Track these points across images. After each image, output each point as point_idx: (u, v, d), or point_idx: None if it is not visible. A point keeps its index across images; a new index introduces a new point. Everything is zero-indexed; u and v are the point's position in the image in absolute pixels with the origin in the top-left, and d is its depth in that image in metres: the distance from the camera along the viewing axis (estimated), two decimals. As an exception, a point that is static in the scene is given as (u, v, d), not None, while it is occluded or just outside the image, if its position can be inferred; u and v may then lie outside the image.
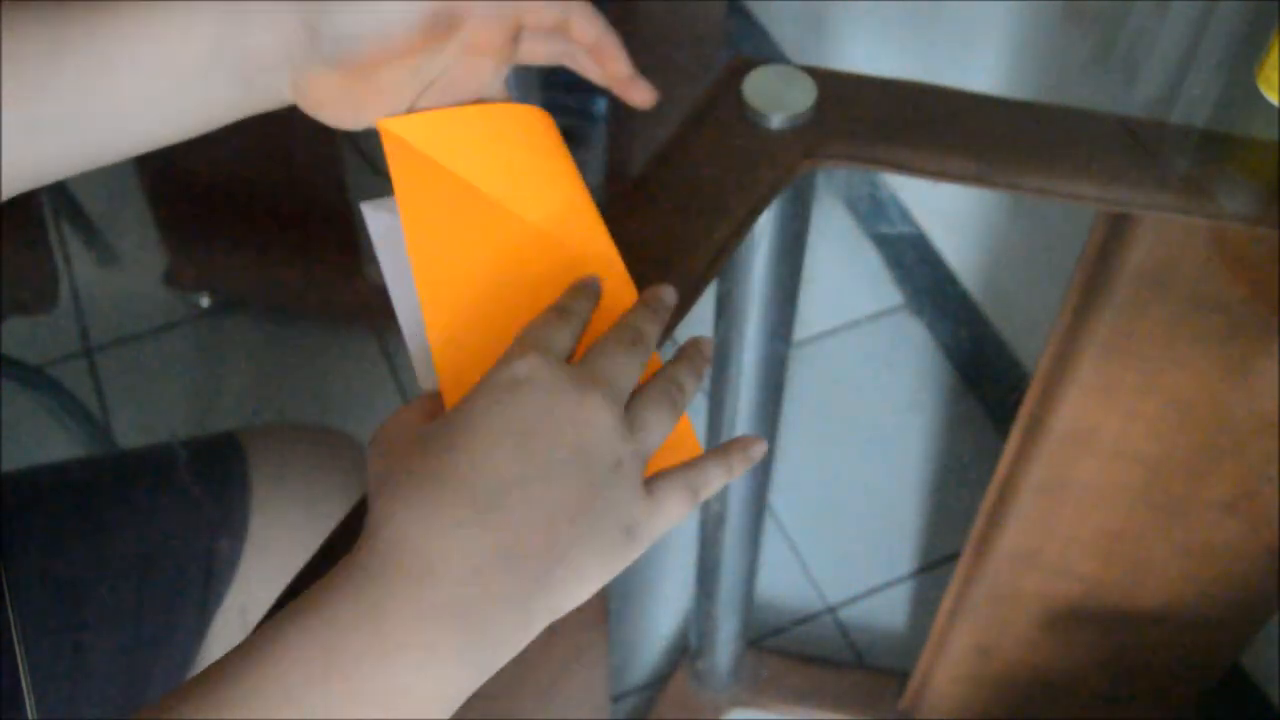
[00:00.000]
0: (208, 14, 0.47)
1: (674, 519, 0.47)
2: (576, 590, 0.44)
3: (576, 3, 0.52)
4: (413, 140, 0.53)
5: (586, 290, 0.52)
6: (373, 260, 0.60)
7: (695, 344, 0.53)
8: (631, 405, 0.47)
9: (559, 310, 0.49)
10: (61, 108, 0.47)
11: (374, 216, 0.56)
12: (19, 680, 0.64)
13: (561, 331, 0.48)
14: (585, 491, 0.44)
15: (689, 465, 0.49)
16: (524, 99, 0.60)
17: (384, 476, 0.44)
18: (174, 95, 0.48)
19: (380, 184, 0.57)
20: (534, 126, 0.57)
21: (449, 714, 0.42)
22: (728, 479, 0.50)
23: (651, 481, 0.47)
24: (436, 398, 0.49)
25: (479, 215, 0.55)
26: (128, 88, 0.47)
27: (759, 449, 0.51)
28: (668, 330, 0.60)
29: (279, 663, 0.40)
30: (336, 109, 0.49)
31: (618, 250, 0.56)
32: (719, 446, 0.50)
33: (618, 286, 0.54)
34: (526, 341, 0.47)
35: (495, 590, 0.42)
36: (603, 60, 0.55)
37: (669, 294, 0.54)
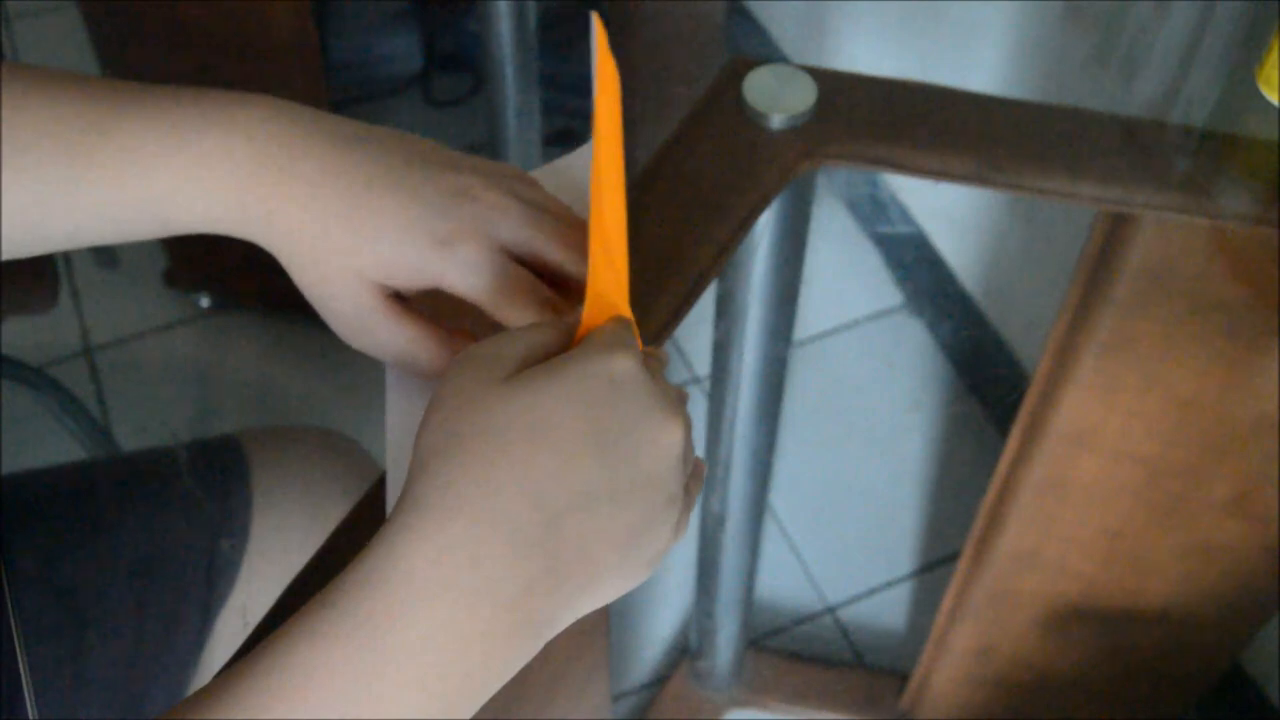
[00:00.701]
0: (215, 210, 0.50)
1: (672, 545, 0.46)
2: (589, 607, 0.43)
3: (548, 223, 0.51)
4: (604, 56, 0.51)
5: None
6: None
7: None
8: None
9: (625, 321, 0.46)
10: (85, 200, 0.49)
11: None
12: (20, 683, 0.64)
13: (634, 340, 0.45)
14: (640, 523, 0.42)
15: (686, 502, 0.47)
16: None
17: (455, 437, 0.40)
18: (194, 198, 0.50)
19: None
20: (617, 98, 0.55)
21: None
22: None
23: None
24: (538, 333, 0.45)
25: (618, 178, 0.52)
26: (154, 190, 0.49)
27: (704, 469, 0.50)
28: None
29: (297, 686, 0.37)
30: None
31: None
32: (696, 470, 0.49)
33: (620, 295, 0.53)
34: (618, 337, 0.44)
35: (530, 615, 0.39)
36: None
37: (665, 358, 0.52)
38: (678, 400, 0.45)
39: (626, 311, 0.52)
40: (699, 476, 0.49)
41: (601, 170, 0.50)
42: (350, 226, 0.49)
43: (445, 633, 0.38)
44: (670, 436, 0.42)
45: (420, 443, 0.41)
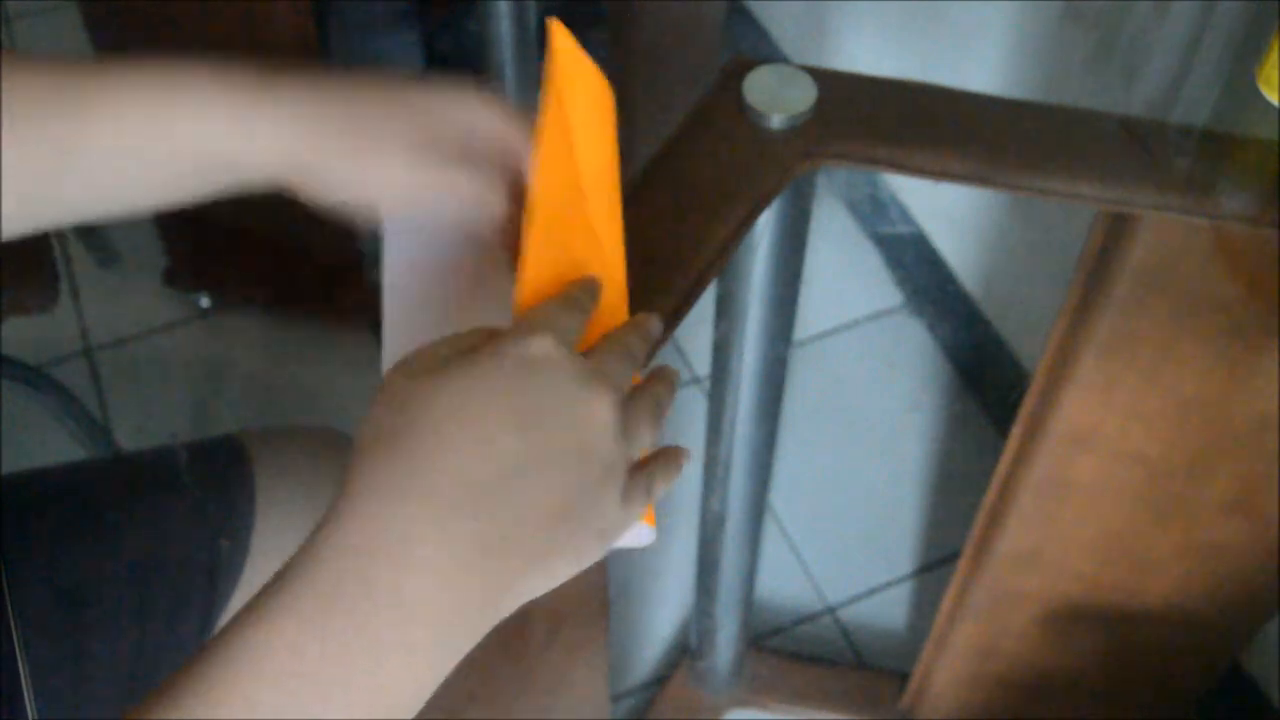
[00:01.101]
0: (216, 123, 0.51)
1: (636, 519, 0.47)
2: (542, 585, 0.44)
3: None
4: (565, 57, 0.54)
5: (590, 286, 0.51)
6: (374, 262, 0.60)
7: (663, 370, 0.52)
8: (624, 412, 0.46)
9: (567, 298, 0.48)
10: (65, 187, 0.51)
11: (393, 230, 0.57)
12: (21, 684, 0.64)
13: (573, 318, 0.47)
14: (576, 491, 0.43)
15: (645, 470, 0.48)
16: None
17: (383, 431, 0.42)
18: (169, 180, 0.53)
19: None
20: (605, 104, 0.57)
21: (420, 704, 0.42)
22: (678, 478, 0.49)
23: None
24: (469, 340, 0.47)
25: (574, 173, 0.54)
26: (133, 171, 0.52)
27: (684, 456, 0.50)
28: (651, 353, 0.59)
29: (251, 665, 0.38)
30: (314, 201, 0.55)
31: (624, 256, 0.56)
32: (668, 450, 0.50)
33: (616, 297, 0.54)
34: (539, 321, 0.45)
35: (473, 583, 0.41)
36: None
37: (655, 324, 0.53)
38: (606, 375, 0.45)
39: (621, 314, 0.52)
40: (670, 461, 0.49)
41: (568, 174, 0.52)
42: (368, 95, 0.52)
43: (382, 607, 0.39)
44: (592, 408, 0.43)
45: (354, 445, 0.43)
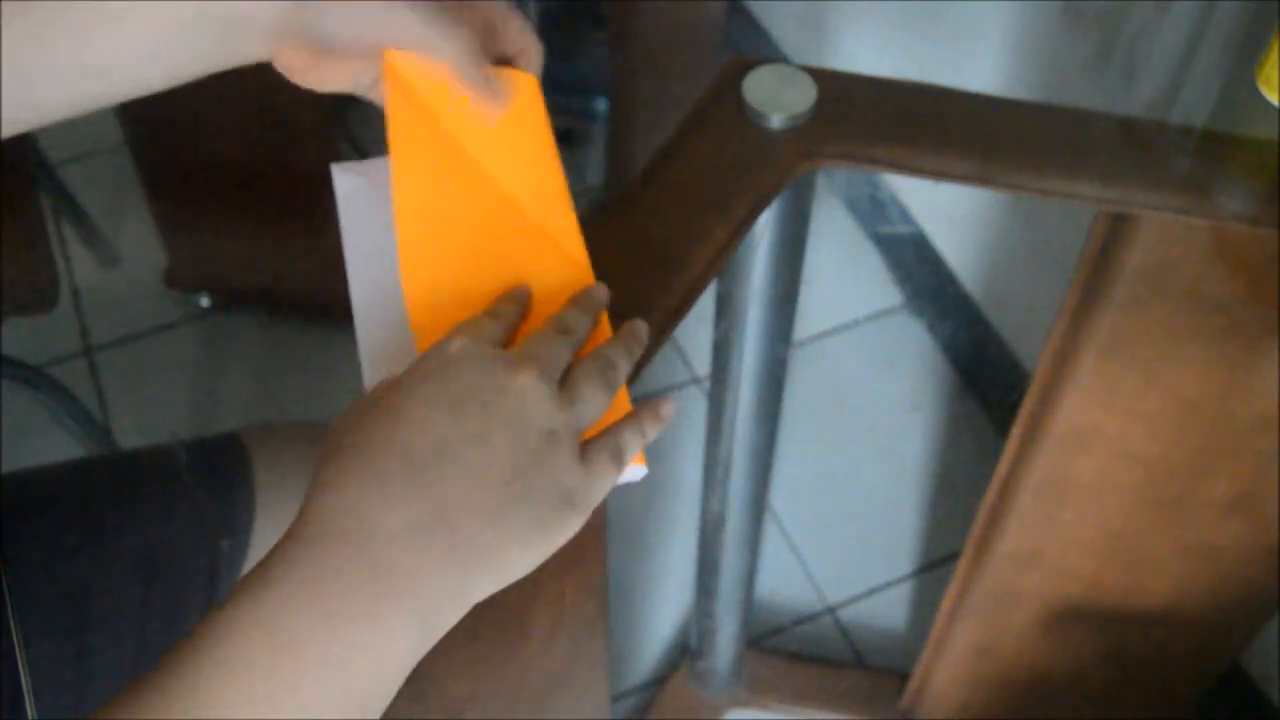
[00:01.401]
0: None
1: (607, 484, 0.49)
2: (517, 556, 0.45)
3: (506, 15, 0.56)
4: (414, 81, 0.55)
5: (516, 297, 0.54)
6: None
7: (631, 326, 0.55)
8: (566, 381, 0.49)
9: (491, 314, 0.52)
10: (60, 58, 0.50)
11: (342, 178, 0.58)
12: (21, 684, 0.64)
13: (490, 326, 0.51)
14: (518, 458, 0.45)
15: (609, 431, 0.50)
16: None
17: (325, 452, 0.46)
18: (162, 49, 0.51)
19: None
20: (524, 95, 0.59)
21: (397, 680, 0.43)
22: (644, 441, 0.51)
23: (589, 447, 0.49)
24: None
25: (464, 176, 0.56)
26: (122, 41, 0.50)
27: (668, 409, 0.53)
28: (656, 347, 0.60)
29: (226, 645, 0.40)
30: (304, 76, 0.54)
31: (581, 233, 0.57)
32: (635, 410, 0.52)
33: (577, 274, 0.56)
34: (458, 329, 0.50)
35: (430, 550, 0.43)
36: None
37: (600, 291, 0.56)
38: (530, 353, 0.48)
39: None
40: (647, 414, 0.52)
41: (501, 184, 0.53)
42: None
43: (346, 578, 0.42)
44: (516, 382, 0.47)
45: (316, 467, 0.46)
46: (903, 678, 1.32)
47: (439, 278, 0.54)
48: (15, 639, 0.64)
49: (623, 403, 0.53)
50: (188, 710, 0.39)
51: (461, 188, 0.57)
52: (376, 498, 0.43)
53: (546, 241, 0.57)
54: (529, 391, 0.47)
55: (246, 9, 0.50)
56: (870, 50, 1.63)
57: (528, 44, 0.58)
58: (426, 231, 0.55)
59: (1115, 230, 0.79)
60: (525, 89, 0.59)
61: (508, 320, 0.52)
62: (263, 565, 0.42)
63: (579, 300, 0.55)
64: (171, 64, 0.52)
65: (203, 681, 0.40)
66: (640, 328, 0.55)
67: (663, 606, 1.47)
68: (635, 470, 0.52)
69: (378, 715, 0.43)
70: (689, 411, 1.60)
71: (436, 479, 0.44)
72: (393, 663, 0.43)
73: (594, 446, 0.49)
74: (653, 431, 0.52)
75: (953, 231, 1.63)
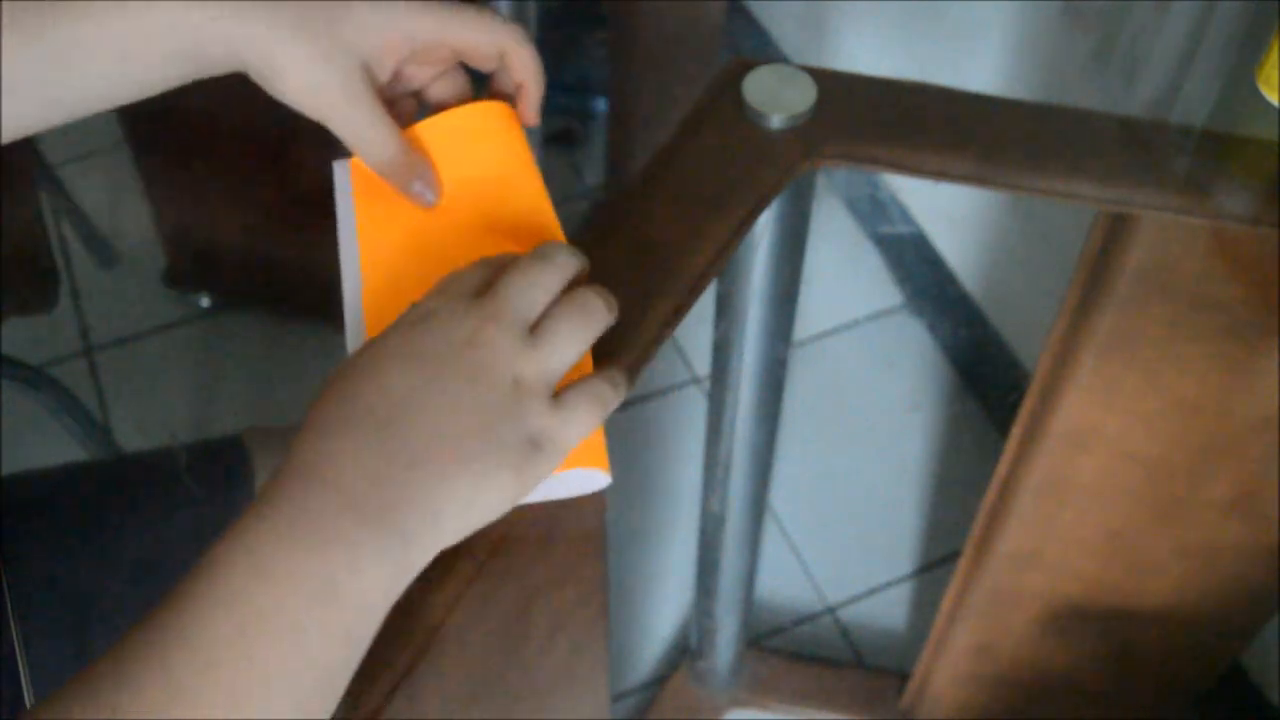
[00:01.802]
0: (188, 11, 0.52)
1: (585, 428, 0.50)
2: (486, 497, 0.47)
3: (519, 44, 0.58)
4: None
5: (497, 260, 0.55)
6: None
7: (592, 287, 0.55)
8: (540, 324, 0.50)
9: (481, 260, 0.54)
10: (39, 76, 0.52)
11: (342, 171, 0.59)
12: (21, 684, 0.64)
13: (472, 274, 0.52)
14: (483, 405, 0.47)
15: (594, 376, 0.51)
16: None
17: (312, 408, 0.48)
18: (136, 72, 0.54)
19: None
20: (491, 119, 0.61)
21: (378, 612, 0.45)
22: (624, 390, 0.52)
23: (560, 394, 0.50)
24: None
25: (428, 218, 0.59)
26: (99, 65, 0.53)
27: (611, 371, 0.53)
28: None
29: (210, 580, 0.42)
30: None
31: (558, 221, 0.59)
32: (617, 359, 0.54)
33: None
34: (438, 285, 0.52)
35: (400, 491, 0.45)
36: (522, 105, 0.61)
37: (559, 249, 0.56)
38: (497, 301, 0.50)
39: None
40: (602, 293, 0.53)
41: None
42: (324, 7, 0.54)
43: (311, 517, 0.44)
44: (483, 332, 0.48)
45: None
46: (903, 678, 1.32)
47: (400, 290, 0.56)
48: (15, 640, 0.64)
49: (585, 364, 0.54)
50: (184, 643, 0.41)
51: (428, 216, 0.59)
52: (349, 446, 0.46)
53: (522, 227, 0.58)
54: (493, 343, 0.48)
55: (212, 50, 0.53)
56: (870, 50, 1.63)
57: (530, 78, 0.59)
58: (387, 244, 0.58)
59: (1115, 230, 0.79)
60: (498, 115, 0.60)
61: (494, 265, 0.53)
62: (247, 511, 0.45)
63: (542, 256, 0.55)
64: (138, 84, 0.55)
65: (196, 614, 0.41)
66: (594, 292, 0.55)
67: (663, 606, 1.47)
68: (597, 478, 0.53)
69: (362, 651, 0.45)
70: (689, 411, 1.60)
71: (404, 428, 0.46)
72: (373, 594, 0.44)
73: (573, 391, 0.50)
74: (624, 381, 0.53)
75: (953, 231, 1.63)
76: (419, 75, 0.60)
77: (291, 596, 0.42)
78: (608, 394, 0.51)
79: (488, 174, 0.60)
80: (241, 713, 0.41)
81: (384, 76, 0.56)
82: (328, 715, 0.44)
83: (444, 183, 0.59)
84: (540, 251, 0.53)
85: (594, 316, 0.52)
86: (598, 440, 0.52)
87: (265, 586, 0.42)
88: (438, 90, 0.61)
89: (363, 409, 0.47)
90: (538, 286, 0.51)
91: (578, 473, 0.52)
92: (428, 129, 0.60)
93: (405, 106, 0.61)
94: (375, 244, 0.59)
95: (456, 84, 0.61)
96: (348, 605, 0.43)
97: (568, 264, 0.53)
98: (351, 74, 0.54)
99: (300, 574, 0.43)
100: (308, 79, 0.54)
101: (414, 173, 0.58)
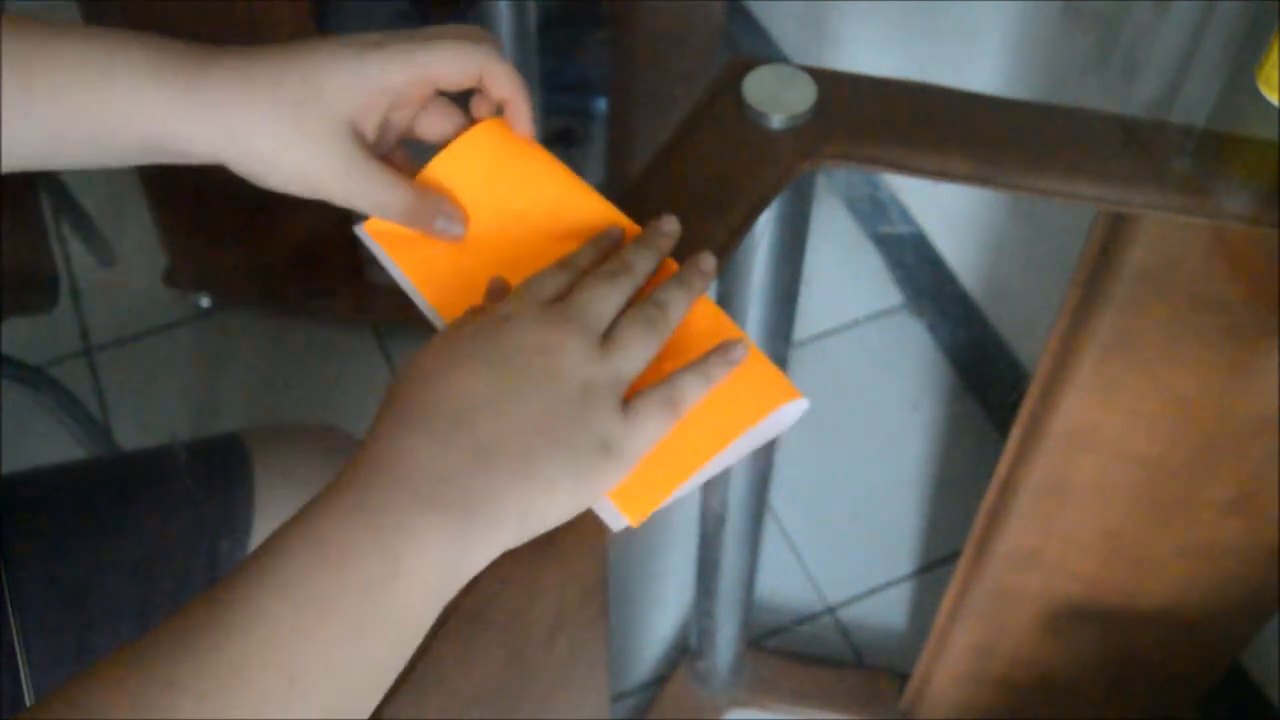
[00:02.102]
0: (151, 108, 0.53)
1: (656, 434, 0.51)
2: (548, 502, 0.47)
3: (494, 61, 0.57)
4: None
5: (597, 243, 0.56)
6: (373, 261, 0.62)
7: (694, 261, 0.56)
8: (611, 330, 0.51)
9: (560, 263, 0.54)
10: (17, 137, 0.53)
11: (364, 234, 0.59)
12: (21, 683, 0.64)
13: (552, 279, 0.53)
14: (555, 410, 0.48)
15: (666, 381, 0.51)
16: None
17: (385, 403, 0.49)
18: (109, 156, 0.55)
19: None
20: (494, 136, 0.61)
21: (431, 611, 0.45)
22: (707, 386, 0.52)
23: (630, 401, 0.50)
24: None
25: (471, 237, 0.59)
26: (72, 145, 0.54)
27: (739, 349, 0.53)
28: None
29: (274, 564, 0.43)
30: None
31: (622, 213, 0.59)
32: (699, 359, 0.53)
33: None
34: (518, 289, 0.53)
35: (471, 488, 0.46)
36: (511, 119, 0.60)
37: (668, 224, 0.57)
38: (572, 309, 0.51)
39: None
40: (714, 360, 0.53)
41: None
42: (297, 75, 0.53)
43: (380, 509, 0.44)
44: (556, 338, 0.49)
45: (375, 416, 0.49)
46: (903, 678, 1.32)
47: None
48: (15, 639, 0.64)
49: (727, 327, 0.54)
50: (245, 622, 0.41)
51: (482, 256, 0.59)
52: (420, 445, 0.46)
53: (588, 227, 0.58)
54: (566, 348, 0.49)
55: (184, 148, 0.54)
56: (870, 50, 1.63)
57: (512, 93, 0.59)
58: (447, 283, 0.58)
59: (1115, 230, 0.79)
60: (499, 130, 0.61)
61: (576, 268, 0.54)
62: (318, 497, 0.45)
63: (645, 235, 0.56)
64: (115, 159, 0.55)
65: (258, 596, 0.42)
66: (706, 260, 0.56)
67: (663, 606, 1.47)
68: (615, 518, 0.52)
69: (410, 650, 0.45)
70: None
71: (475, 431, 0.47)
72: (429, 592, 0.45)
73: (643, 398, 0.51)
74: (720, 374, 0.53)
75: (953, 231, 1.63)
76: (403, 117, 0.59)
77: (352, 586, 0.43)
78: (678, 400, 0.51)
79: (519, 187, 0.60)
80: (294, 694, 0.41)
81: (371, 135, 0.56)
82: (367, 714, 0.44)
83: (482, 209, 0.59)
84: (610, 266, 0.53)
85: (660, 326, 0.52)
86: (776, 376, 0.54)
87: (328, 573, 0.42)
88: (428, 128, 0.60)
89: (435, 408, 0.47)
90: (608, 300, 0.52)
91: (776, 414, 0.54)
92: (438, 168, 0.60)
93: (398, 158, 0.60)
94: (432, 278, 0.59)
95: (446, 115, 0.60)
96: (405, 600, 0.44)
97: (639, 267, 0.54)
98: (339, 145, 0.54)
99: (363, 564, 0.43)
100: (296, 166, 0.54)
101: (434, 213, 0.58)
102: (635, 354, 0.51)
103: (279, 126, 0.53)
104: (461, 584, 0.46)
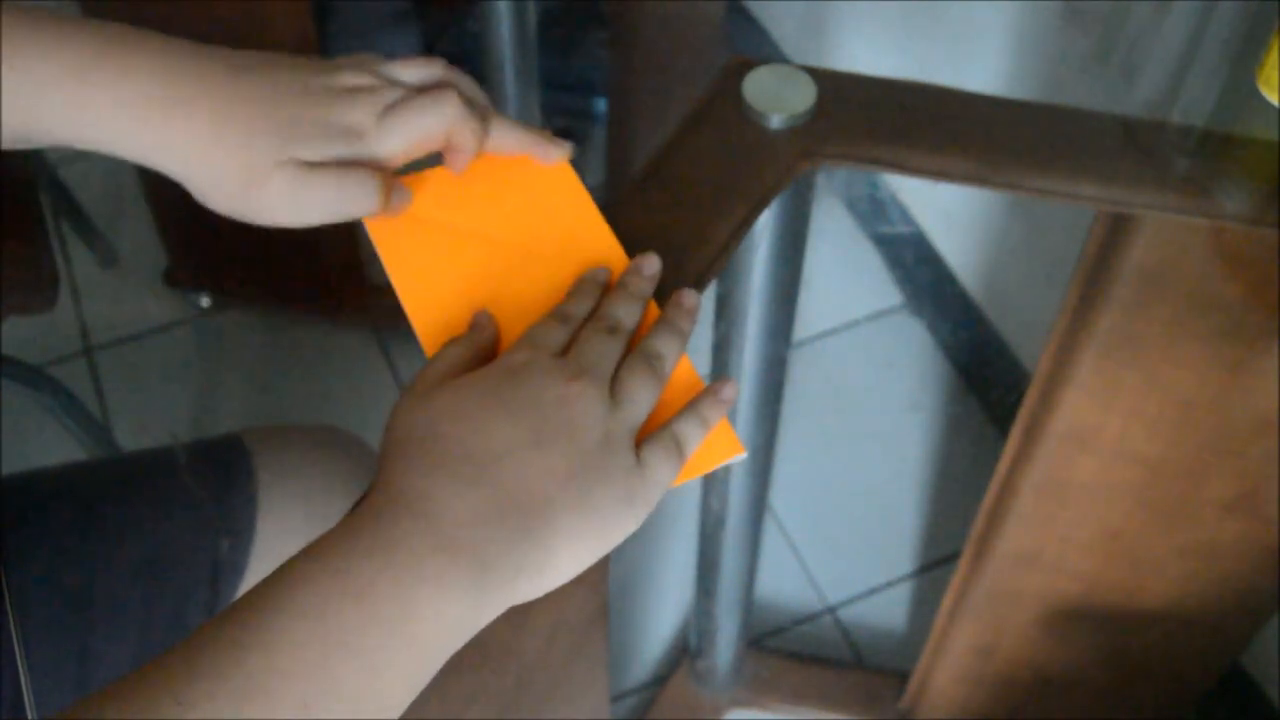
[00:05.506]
0: (130, 135, 0.55)
1: (666, 479, 0.51)
2: (578, 552, 0.47)
3: (494, 118, 0.59)
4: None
5: (585, 289, 0.57)
6: (373, 261, 0.62)
7: (677, 300, 0.57)
8: (615, 381, 0.51)
9: (557, 314, 0.55)
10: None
11: (364, 229, 0.60)
12: (21, 684, 0.64)
13: (557, 331, 0.54)
14: (575, 461, 0.48)
15: (668, 424, 0.52)
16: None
17: (397, 440, 0.49)
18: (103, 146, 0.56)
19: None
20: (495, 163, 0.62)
21: (454, 646, 0.45)
22: (706, 429, 0.53)
23: (640, 450, 0.50)
24: (463, 351, 0.54)
25: (457, 245, 0.60)
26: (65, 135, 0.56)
27: (729, 390, 0.54)
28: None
29: (293, 591, 0.42)
30: None
31: (617, 240, 0.60)
32: (692, 402, 0.54)
33: (612, 256, 0.59)
34: (525, 338, 0.53)
35: (491, 536, 0.45)
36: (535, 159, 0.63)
37: (648, 266, 0.58)
38: (582, 361, 0.51)
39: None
40: (709, 401, 0.53)
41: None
42: (244, 114, 0.55)
43: (404, 548, 0.44)
44: (571, 391, 0.50)
45: (377, 465, 0.49)
46: (903, 678, 1.32)
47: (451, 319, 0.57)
48: (16, 640, 0.64)
49: (692, 381, 0.55)
50: (263, 647, 0.41)
51: (461, 256, 0.59)
52: (447, 488, 0.46)
53: (584, 254, 0.59)
54: (583, 400, 0.49)
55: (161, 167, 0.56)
56: (870, 50, 1.63)
57: (487, 146, 0.60)
58: (433, 300, 0.58)
59: (1115, 230, 0.79)
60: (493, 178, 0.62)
61: (576, 319, 0.55)
62: (336, 528, 0.45)
63: (626, 284, 0.57)
64: (106, 139, 0.56)
65: (278, 621, 0.41)
66: (688, 298, 0.57)
67: (663, 606, 1.47)
68: (736, 459, 0.53)
69: (419, 689, 0.45)
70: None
71: (498, 478, 0.47)
72: (446, 636, 0.44)
73: (651, 442, 0.51)
74: (714, 417, 0.53)
75: (953, 231, 1.63)
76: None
77: (374, 621, 0.42)
78: (682, 442, 0.52)
79: (517, 200, 0.61)
80: None
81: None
82: None
83: (475, 219, 0.60)
84: (606, 322, 0.54)
85: (660, 374, 0.53)
86: (725, 430, 0.54)
87: (352, 607, 0.42)
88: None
89: (461, 454, 0.47)
90: (611, 354, 0.52)
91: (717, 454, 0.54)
92: (438, 171, 0.61)
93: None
94: (416, 283, 0.59)
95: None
96: (423, 642, 0.44)
97: (631, 320, 0.55)
98: (280, 171, 0.56)
99: (388, 602, 0.43)
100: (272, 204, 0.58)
101: (399, 203, 0.59)
102: (642, 403, 0.52)
103: (228, 169, 0.56)
104: (475, 631, 0.46)
